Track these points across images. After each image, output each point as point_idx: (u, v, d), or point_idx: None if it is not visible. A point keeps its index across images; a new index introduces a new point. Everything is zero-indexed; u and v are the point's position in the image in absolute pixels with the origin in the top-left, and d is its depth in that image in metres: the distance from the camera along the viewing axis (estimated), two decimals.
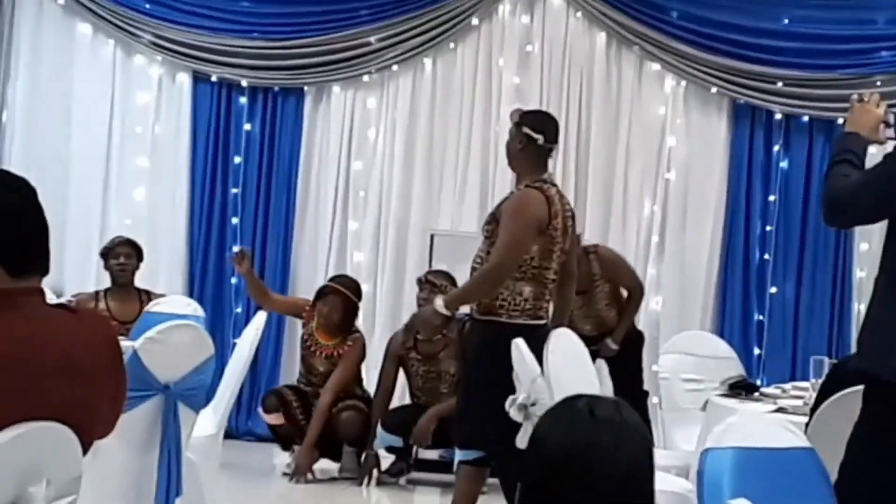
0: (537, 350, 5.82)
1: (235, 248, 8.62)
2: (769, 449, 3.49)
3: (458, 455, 6.41)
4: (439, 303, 6.21)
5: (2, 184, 2.87)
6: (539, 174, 6.23)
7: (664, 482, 4.35)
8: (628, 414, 2.50)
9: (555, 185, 6.30)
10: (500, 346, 5.91)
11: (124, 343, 3.62)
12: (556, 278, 6.23)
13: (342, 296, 8.47)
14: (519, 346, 6.58)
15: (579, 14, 9.59)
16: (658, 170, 9.54)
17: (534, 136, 6.21)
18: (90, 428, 2.85)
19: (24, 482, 2.58)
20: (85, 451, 2.81)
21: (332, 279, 8.79)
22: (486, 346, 6.21)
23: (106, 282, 8.20)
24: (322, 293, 8.55)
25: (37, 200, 2.84)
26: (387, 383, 8.42)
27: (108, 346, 2.98)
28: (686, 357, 7.45)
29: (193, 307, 6.73)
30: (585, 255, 7.96)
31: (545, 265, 6.15)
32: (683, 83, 9.55)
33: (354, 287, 8.63)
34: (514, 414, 6.21)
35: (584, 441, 2.41)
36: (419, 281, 8.52)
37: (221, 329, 9.48)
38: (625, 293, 8.13)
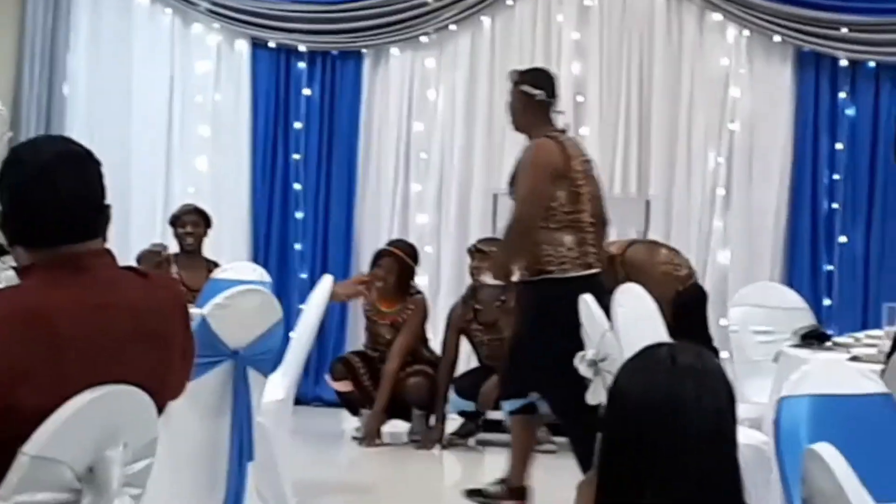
0: (598, 299, 5.76)
1: (363, 276, 8.30)
2: (846, 396, 3.45)
3: (506, 406, 6.41)
4: (488, 278, 6.20)
5: (29, 148, 2.87)
6: (546, 128, 6.28)
7: (739, 435, 4.29)
8: (710, 361, 2.45)
9: (568, 136, 6.35)
10: (557, 301, 5.94)
11: (192, 310, 3.60)
12: (595, 223, 6.24)
13: (396, 258, 8.44)
14: (587, 301, 6.53)
15: None
16: (722, 121, 9.43)
17: (533, 93, 6.29)
18: (162, 391, 2.85)
19: (102, 445, 2.57)
20: (159, 414, 2.80)
21: (387, 243, 8.76)
22: (543, 304, 6.18)
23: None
24: (377, 257, 8.54)
25: (69, 163, 2.79)
26: (450, 353, 8.40)
27: (179, 310, 2.98)
28: (756, 309, 7.37)
29: (259, 273, 6.71)
30: (612, 263, 7.92)
31: (579, 209, 6.18)
32: (746, 32, 9.42)
33: (409, 250, 8.59)
34: (584, 370, 6.16)
35: (667, 390, 2.36)
36: (469, 251, 8.48)
37: (287, 295, 9.47)
38: None
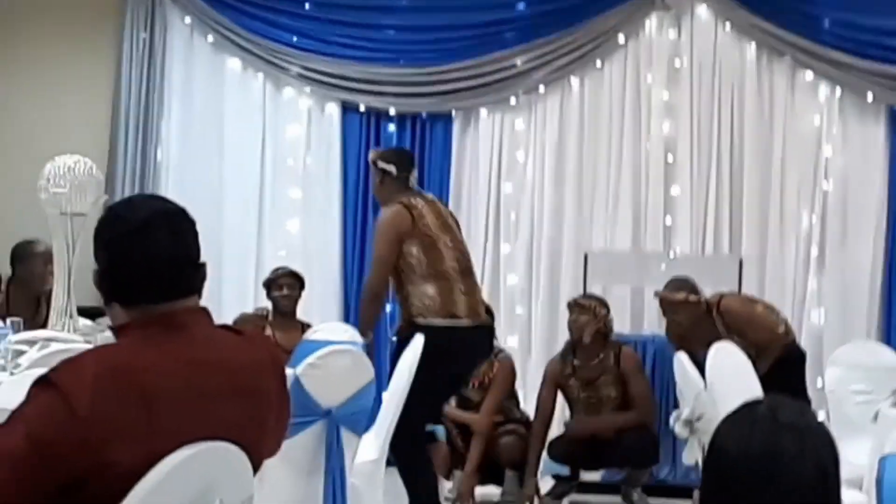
0: (471, 350, 6.25)
1: None
2: None
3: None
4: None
5: (125, 206, 2.91)
6: (400, 196, 6.77)
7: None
8: (812, 418, 2.41)
9: (424, 197, 6.88)
10: (425, 349, 6.19)
11: (286, 370, 3.61)
12: (458, 271, 6.70)
13: None
14: (681, 361, 6.50)
15: (728, 25, 9.46)
16: (815, 180, 9.35)
17: (387, 169, 6.86)
18: (257, 448, 2.84)
19: (198, 503, 2.57)
20: (254, 472, 2.79)
21: None
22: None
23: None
24: None
25: (166, 221, 2.82)
26: (545, 409, 8.31)
27: (274, 368, 2.98)
28: (853, 369, 7.26)
29: (350, 333, 6.72)
30: (711, 315, 7.86)
31: (436, 261, 6.65)
32: (838, 91, 9.35)
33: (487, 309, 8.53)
34: (680, 430, 6.12)
35: (767, 447, 2.31)
36: (569, 305, 8.44)
37: (378, 356, 9.46)
38: None
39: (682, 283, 8.10)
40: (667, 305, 8.11)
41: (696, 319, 7.93)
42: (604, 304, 8.29)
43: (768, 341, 7.61)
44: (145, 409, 2.58)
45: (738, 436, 2.36)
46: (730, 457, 2.35)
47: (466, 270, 6.81)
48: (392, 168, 6.88)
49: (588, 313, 8.16)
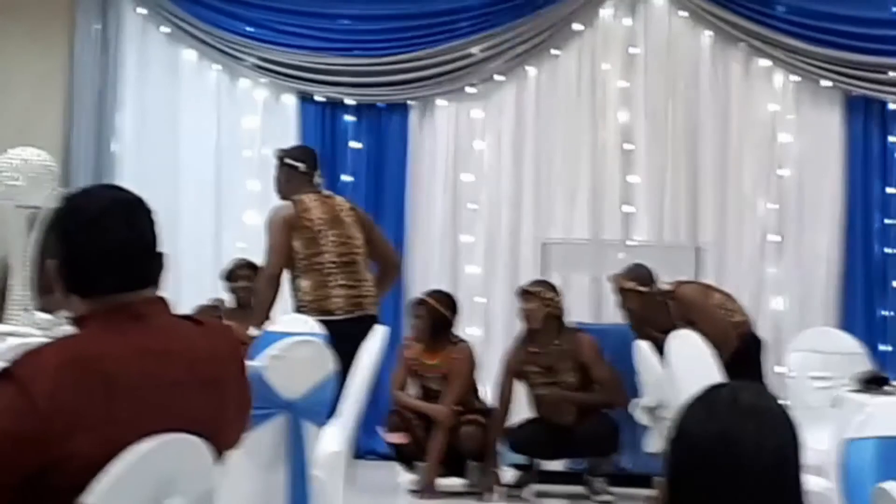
0: (344, 342, 6.02)
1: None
2: None
3: None
4: (253, 330, 6.49)
5: (81, 196, 2.87)
6: (302, 192, 7.05)
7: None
8: (773, 401, 2.42)
9: (321, 193, 7.13)
10: None
11: (246, 362, 3.59)
12: (338, 265, 6.90)
13: (427, 305, 8.38)
14: (641, 348, 6.51)
15: (683, 13, 9.49)
16: (772, 167, 9.40)
17: (295, 165, 7.15)
18: (220, 440, 2.81)
19: (159, 495, 2.55)
20: (217, 463, 2.77)
21: (423, 293, 8.70)
22: None
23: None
24: (412, 306, 8.52)
25: (122, 210, 2.79)
26: (504, 399, 8.32)
27: (234, 358, 2.95)
28: (813, 354, 7.30)
29: (311, 325, 6.68)
30: (665, 302, 7.89)
31: (314, 254, 6.89)
32: (793, 78, 9.39)
33: (445, 299, 8.52)
34: (641, 417, 6.13)
35: (728, 429, 2.32)
36: (517, 293, 8.45)
37: None
38: None
39: (636, 271, 8.14)
40: (617, 290, 8.15)
41: (646, 307, 7.97)
42: (551, 287, 8.32)
43: (716, 336, 7.58)
44: (106, 400, 2.55)
45: (700, 419, 2.37)
46: (692, 440, 2.36)
47: (350, 263, 7.00)
48: (300, 165, 7.16)
49: (535, 299, 8.20)
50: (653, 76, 9.54)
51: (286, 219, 6.94)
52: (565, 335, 8.21)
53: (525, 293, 8.31)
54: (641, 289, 7.99)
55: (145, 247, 2.80)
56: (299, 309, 6.90)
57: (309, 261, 6.92)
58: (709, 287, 8.29)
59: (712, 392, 2.43)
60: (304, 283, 6.91)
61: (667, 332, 7.48)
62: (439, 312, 8.37)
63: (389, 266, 7.37)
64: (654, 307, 7.95)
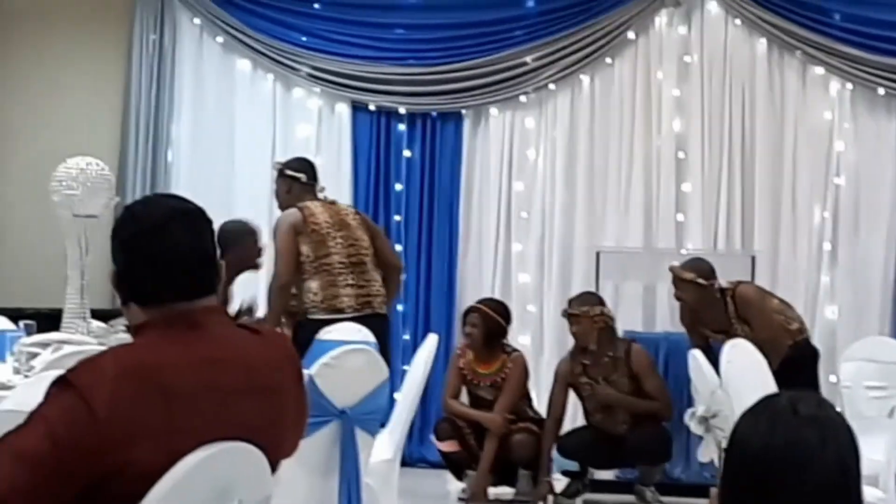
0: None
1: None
2: None
3: None
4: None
5: (142, 205, 2.89)
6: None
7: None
8: (831, 410, 2.39)
9: (325, 200, 7.24)
10: (303, 342, 6.29)
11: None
12: (346, 265, 6.99)
13: (482, 314, 8.36)
14: (696, 357, 6.48)
15: (738, 21, 9.45)
16: (827, 176, 9.34)
17: (297, 176, 7.27)
18: (276, 448, 2.82)
19: (216, 502, 2.56)
20: (272, 472, 2.78)
21: (477, 301, 8.68)
22: (295, 345, 6.35)
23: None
24: (466, 314, 8.50)
25: (183, 220, 2.81)
26: (557, 409, 8.30)
27: (291, 366, 2.96)
28: (868, 364, 7.25)
29: (364, 333, 6.70)
30: (723, 299, 7.84)
31: (322, 256, 6.97)
32: (849, 86, 9.33)
33: (498, 307, 8.50)
34: (695, 427, 6.11)
35: (789, 439, 2.30)
36: (563, 315, 8.40)
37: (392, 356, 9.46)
38: None
39: (696, 263, 8.10)
40: (675, 281, 8.07)
41: (702, 301, 7.91)
42: (597, 300, 8.27)
43: (769, 339, 7.54)
44: (165, 408, 2.56)
45: (759, 429, 2.34)
46: (752, 450, 2.33)
47: (358, 264, 7.08)
48: (302, 176, 7.28)
49: (583, 320, 8.14)
50: (707, 84, 9.50)
51: (293, 224, 7.03)
52: (618, 346, 8.18)
53: (571, 316, 8.25)
54: (701, 281, 7.92)
55: (204, 256, 2.82)
56: (309, 311, 6.96)
57: (318, 262, 6.99)
58: (768, 292, 8.24)
59: (770, 401, 2.40)
60: (313, 285, 6.98)
61: (721, 332, 7.47)
62: (494, 320, 8.36)
63: (392, 270, 7.38)
64: (710, 303, 7.89)
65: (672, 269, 8.14)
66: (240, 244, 7.22)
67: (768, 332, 7.64)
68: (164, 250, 2.74)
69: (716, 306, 7.86)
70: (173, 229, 2.76)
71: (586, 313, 8.14)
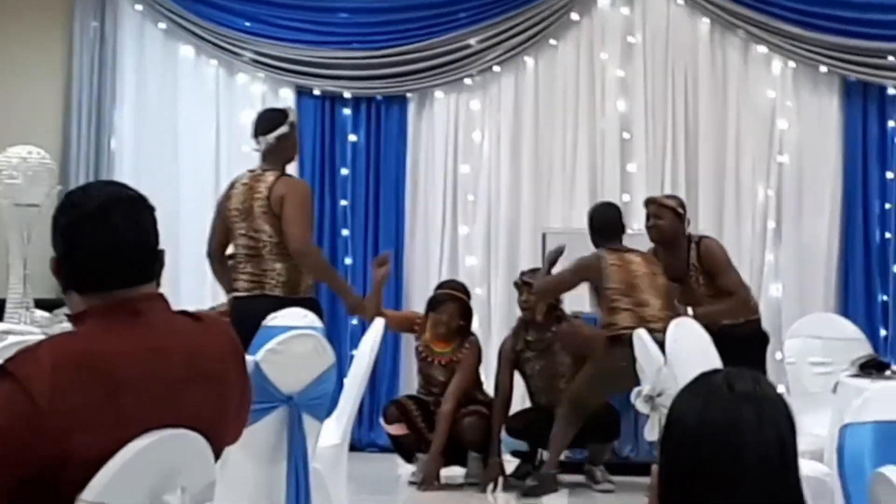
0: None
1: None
2: None
3: None
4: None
5: (81, 192, 2.87)
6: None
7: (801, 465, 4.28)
8: (768, 387, 2.40)
9: (253, 173, 6.98)
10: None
11: (246, 357, 3.59)
12: (238, 251, 7.03)
13: (458, 301, 8.40)
14: (641, 337, 6.50)
15: (681, 1, 9.48)
16: (770, 154, 9.40)
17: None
18: (219, 435, 2.82)
19: (159, 490, 2.56)
20: (216, 459, 2.78)
21: (442, 286, 8.69)
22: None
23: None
24: (437, 302, 8.47)
25: (122, 206, 2.79)
26: (504, 389, 8.34)
27: (234, 353, 2.95)
28: (812, 340, 7.30)
29: (310, 318, 6.68)
30: (688, 244, 7.88)
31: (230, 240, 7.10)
32: (791, 64, 9.39)
33: (465, 290, 8.57)
34: (641, 406, 6.13)
35: (727, 417, 2.30)
36: (516, 284, 8.48)
37: (338, 341, 9.44)
38: None
39: (676, 197, 8.16)
40: (655, 208, 8.01)
41: (675, 231, 7.90)
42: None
43: (735, 285, 7.66)
44: (108, 397, 2.55)
45: (696, 407, 2.34)
46: (688, 428, 2.34)
47: (251, 250, 7.00)
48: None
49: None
50: (651, 65, 9.54)
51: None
52: (561, 322, 8.25)
53: (524, 284, 8.32)
54: (680, 210, 7.95)
55: (145, 243, 2.80)
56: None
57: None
58: None
59: (707, 379, 2.40)
60: (278, 266, 6.82)
61: (675, 279, 7.51)
62: (467, 304, 8.43)
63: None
64: (680, 236, 7.88)
65: (653, 196, 8.18)
66: None
67: (733, 280, 7.75)
68: (104, 237, 2.72)
69: (681, 245, 7.87)
70: (113, 216, 2.74)
71: None
